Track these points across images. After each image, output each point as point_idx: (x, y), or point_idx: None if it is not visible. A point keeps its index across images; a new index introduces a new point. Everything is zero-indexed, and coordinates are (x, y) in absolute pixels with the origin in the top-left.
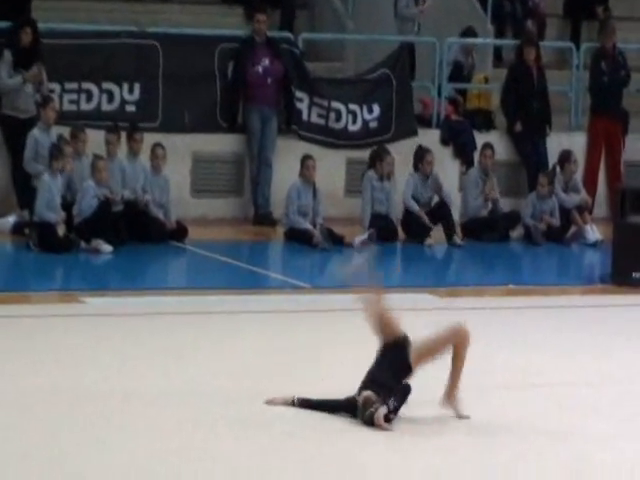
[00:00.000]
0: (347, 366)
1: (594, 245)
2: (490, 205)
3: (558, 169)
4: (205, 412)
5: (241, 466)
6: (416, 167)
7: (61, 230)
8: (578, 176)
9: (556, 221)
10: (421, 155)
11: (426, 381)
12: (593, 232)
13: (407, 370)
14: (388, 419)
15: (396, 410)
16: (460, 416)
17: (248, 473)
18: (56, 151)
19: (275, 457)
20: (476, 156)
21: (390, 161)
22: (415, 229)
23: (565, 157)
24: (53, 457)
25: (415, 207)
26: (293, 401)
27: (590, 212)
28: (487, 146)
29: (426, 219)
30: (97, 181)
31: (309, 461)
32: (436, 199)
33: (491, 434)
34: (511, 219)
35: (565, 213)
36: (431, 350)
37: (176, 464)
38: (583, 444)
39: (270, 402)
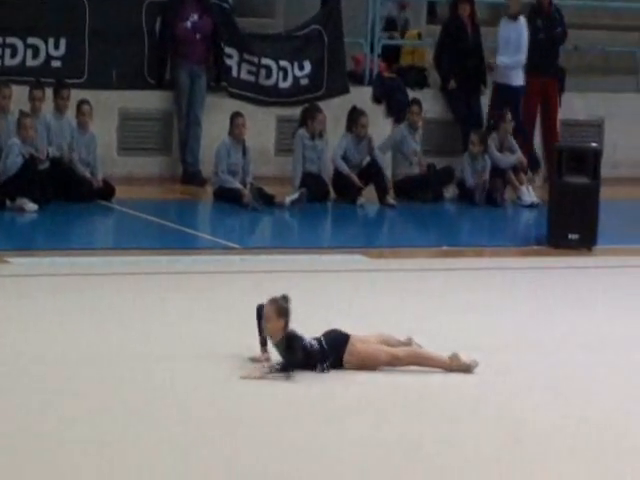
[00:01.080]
0: None
1: (530, 207)
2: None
3: (493, 128)
4: (130, 372)
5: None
6: (349, 128)
7: None
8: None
9: (486, 176)
10: (355, 117)
11: None
12: (529, 193)
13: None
14: None
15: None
16: None
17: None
18: None
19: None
20: None
21: (322, 119)
22: (346, 189)
23: (500, 116)
24: None
25: (345, 168)
26: (271, 368)
27: (526, 172)
28: (415, 102)
29: (356, 180)
30: (23, 139)
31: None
32: (368, 159)
33: (423, 396)
34: (445, 175)
35: (500, 174)
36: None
37: (99, 426)
38: (519, 408)
39: (247, 377)
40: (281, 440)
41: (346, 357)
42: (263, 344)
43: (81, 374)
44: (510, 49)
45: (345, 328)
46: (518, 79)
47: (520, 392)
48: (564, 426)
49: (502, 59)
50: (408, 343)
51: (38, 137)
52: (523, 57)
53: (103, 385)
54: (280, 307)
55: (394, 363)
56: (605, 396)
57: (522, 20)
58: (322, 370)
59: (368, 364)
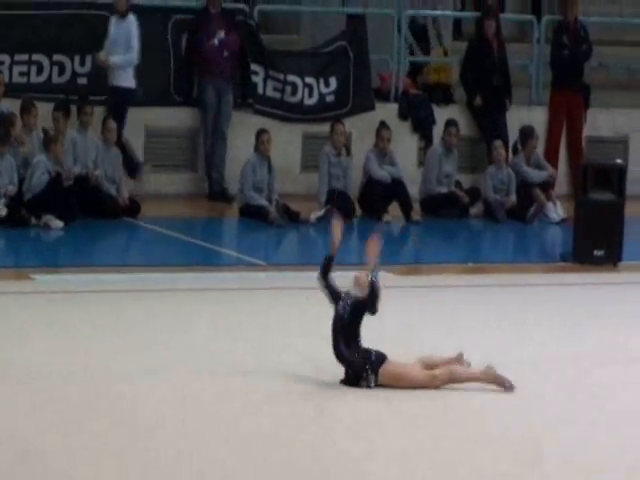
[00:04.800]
0: (303, 343)
1: (558, 223)
2: (451, 185)
3: (519, 146)
4: (156, 388)
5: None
6: (376, 143)
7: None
8: (539, 151)
9: (514, 197)
10: (378, 130)
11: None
12: (557, 210)
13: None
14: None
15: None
16: None
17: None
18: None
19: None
20: (435, 131)
21: (341, 130)
22: (373, 205)
23: (527, 133)
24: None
25: (385, 176)
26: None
27: (553, 188)
28: (452, 123)
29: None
30: (51, 154)
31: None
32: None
33: (447, 411)
34: (471, 195)
35: (527, 190)
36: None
37: (120, 443)
38: (544, 424)
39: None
40: (309, 455)
41: (380, 376)
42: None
43: (108, 391)
44: (120, 48)
45: (370, 344)
46: (129, 81)
47: (545, 408)
48: (587, 443)
49: (113, 59)
50: (459, 359)
51: (63, 154)
52: (134, 56)
53: (129, 401)
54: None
55: (431, 383)
56: (631, 412)
57: (131, 18)
58: (368, 385)
59: (402, 384)
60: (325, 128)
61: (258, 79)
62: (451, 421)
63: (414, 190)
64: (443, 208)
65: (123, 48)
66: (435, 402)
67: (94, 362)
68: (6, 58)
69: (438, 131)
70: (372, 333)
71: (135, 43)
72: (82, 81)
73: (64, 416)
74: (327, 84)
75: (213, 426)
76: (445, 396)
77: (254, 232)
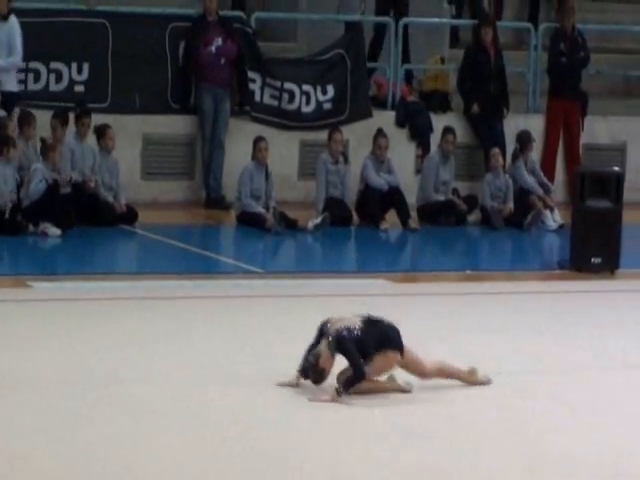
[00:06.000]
0: (301, 350)
1: (555, 231)
2: (449, 193)
3: (519, 152)
4: (153, 395)
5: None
6: (373, 151)
7: None
8: (536, 158)
9: (511, 204)
10: (375, 138)
11: None
12: (554, 217)
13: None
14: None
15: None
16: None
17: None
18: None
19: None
20: (433, 138)
21: (339, 139)
22: (370, 213)
23: (525, 138)
24: None
25: (382, 183)
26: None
27: (550, 196)
28: (449, 130)
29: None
30: (49, 162)
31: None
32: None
33: (447, 421)
34: (468, 203)
35: (524, 196)
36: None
37: (118, 452)
38: (540, 432)
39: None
40: (303, 463)
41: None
42: (303, 371)
43: (105, 398)
44: (3, 52)
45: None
46: (12, 84)
47: (541, 416)
48: (583, 451)
49: None
50: (472, 372)
51: (61, 161)
52: (19, 59)
53: (127, 407)
54: None
55: (425, 375)
56: (627, 420)
57: (13, 19)
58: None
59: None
60: (322, 135)
61: (255, 87)
62: (447, 428)
63: (411, 198)
64: (440, 216)
65: (6, 51)
66: (430, 407)
67: (91, 369)
68: None
69: (435, 138)
70: None
71: (19, 46)
72: (79, 89)
73: (61, 423)
74: (324, 91)
75: (208, 433)
76: (441, 402)
77: (251, 240)
